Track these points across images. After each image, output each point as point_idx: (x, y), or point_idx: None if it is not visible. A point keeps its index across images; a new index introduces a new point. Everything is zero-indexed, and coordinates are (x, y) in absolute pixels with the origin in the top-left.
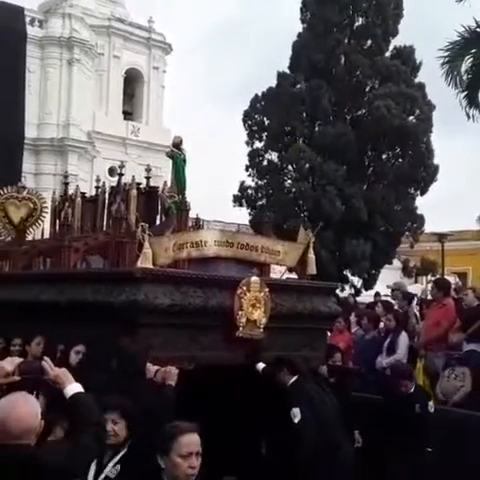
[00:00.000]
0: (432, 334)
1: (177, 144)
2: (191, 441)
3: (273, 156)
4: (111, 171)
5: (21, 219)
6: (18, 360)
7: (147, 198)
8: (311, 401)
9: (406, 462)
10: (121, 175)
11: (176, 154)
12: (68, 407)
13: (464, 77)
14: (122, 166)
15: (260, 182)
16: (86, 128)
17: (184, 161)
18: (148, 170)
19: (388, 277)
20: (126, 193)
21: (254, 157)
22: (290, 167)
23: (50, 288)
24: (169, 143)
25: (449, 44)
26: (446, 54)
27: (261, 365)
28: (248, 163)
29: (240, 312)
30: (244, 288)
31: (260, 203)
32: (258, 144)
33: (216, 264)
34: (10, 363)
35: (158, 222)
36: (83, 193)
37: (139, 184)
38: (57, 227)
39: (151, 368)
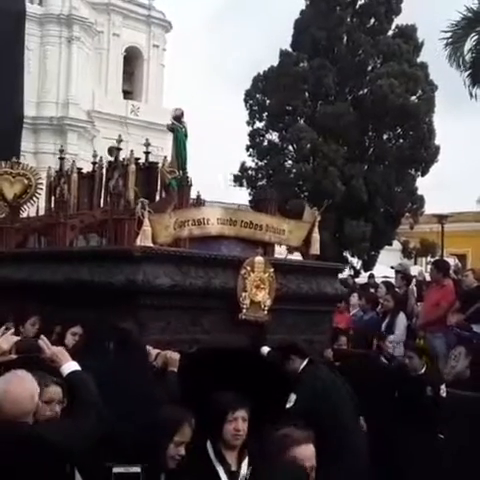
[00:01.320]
0: (431, 315)
1: (178, 117)
2: (306, 454)
3: (274, 136)
4: (110, 151)
5: (15, 196)
6: (15, 338)
7: (146, 174)
8: (323, 385)
9: (417, 448)
10: (119, 150)
11: (177, 127)
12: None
13: (467, 56)
14: (120, 140)
15: (260, 163)
16: (86, 107)
17: (185, 135)
18: (147, 145)
19: (387, 258)
20: (124, 168)
21: (255, 137)
22: (291, 147)
23: (45, 267)
24: (169, 122)
25: (452, 25)
26: (449, 35)
27: (266, 349)
28: (249, 143)
29: (244, 293)
30: (248, 268)
31: (260, 183)
32: (259, 124)
33: (218, 243)
34: (7, 341)
35: (157, 199)
36: (79, 169)
37: (138, 159)
38: (52, 204)
39: (151, 351)
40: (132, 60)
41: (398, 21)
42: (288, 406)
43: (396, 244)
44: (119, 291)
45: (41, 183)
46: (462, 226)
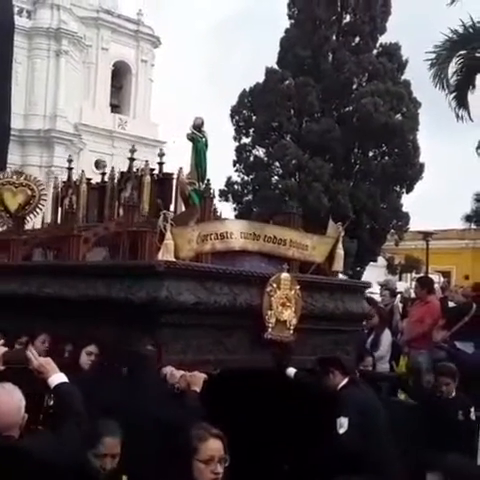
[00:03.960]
0: (415, 331)
1: (198, 126)
2: None
3: (260, 152)
4: (97, 164)
5: (19, 206)
6: (2, 349)
7: (160, 185)
8: (364, 407)
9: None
10: (132, 160)
11: (197, 137)
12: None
13: (452, 79)
14: (134, 150)
15: (247, 178)
16: (73, 120)
17: (206, 145)
18: (161, 155)
19: (373, 274)
20: (138, 180)
21: (241, 152)
22: (277, 163)
23: (57, 281)
24: (157, 137)
25: (436, 46)
26: (433, 56)
27: (292, 370)
28: (235, 158)
29: (269, 312)
30: (274, 285)
31: (246, 198)
32: (245, 140)
33: (241, 258)
34: None
35: (171, 210)
36: (89, 179)
37: (153, 170)
38: (59, 216)
39: (175, 373)
40: (120, 74)
41: (384, 39)
42: (341, 432)
43: (381, 260)
44: (139, 308)
45: (45, 194)
46: (447, 243)
